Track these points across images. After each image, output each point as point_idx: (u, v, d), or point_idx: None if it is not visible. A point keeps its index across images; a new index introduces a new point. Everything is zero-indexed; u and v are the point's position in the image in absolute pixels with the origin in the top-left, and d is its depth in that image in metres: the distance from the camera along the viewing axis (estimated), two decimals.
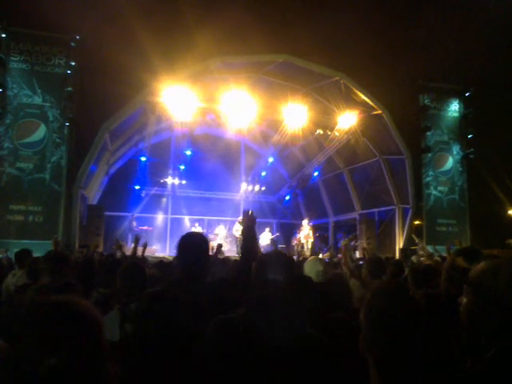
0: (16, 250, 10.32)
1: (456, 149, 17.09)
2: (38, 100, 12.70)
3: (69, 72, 12.91)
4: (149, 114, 14.30)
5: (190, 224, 18.82)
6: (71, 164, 12.86)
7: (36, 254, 6.18)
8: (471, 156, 16.81)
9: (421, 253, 9.56)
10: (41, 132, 12.63)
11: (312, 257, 4.93)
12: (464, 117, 17.21)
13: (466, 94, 17.21)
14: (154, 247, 16.70)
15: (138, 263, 3.27)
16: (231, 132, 16.62)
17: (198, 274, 2.48)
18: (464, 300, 1.92)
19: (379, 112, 15.78)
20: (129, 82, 12.20)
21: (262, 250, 16.61)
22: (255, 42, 12.99)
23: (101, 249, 13.56)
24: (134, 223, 17.15)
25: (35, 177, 12.39)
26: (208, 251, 2.61)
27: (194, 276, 2.45)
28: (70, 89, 12.73)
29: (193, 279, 2.44)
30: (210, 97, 14.33)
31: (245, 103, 14.47)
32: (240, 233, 16.91)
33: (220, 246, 5.86)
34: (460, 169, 17.04)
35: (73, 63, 12.92)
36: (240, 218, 17.57)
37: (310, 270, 3.90)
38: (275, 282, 2.30)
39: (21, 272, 4.54)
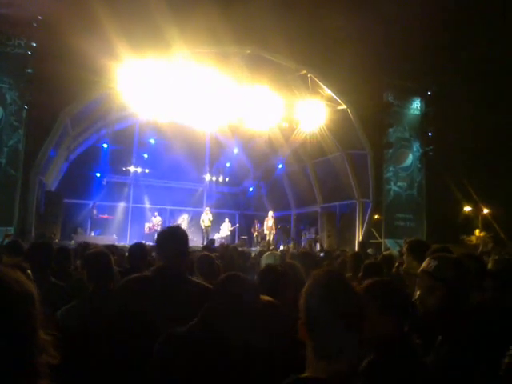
0: None
1: (416, 146, 17.57)
2: None
3: (29, 53, 12.40)
4: (112, 100, 13.98)
5: (151, 214, 18.58)
6: (29, 149, 12.38)
7: None
8: (430, 153, 17.33)
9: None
10: None
11: (269, 252, 5.05)
12: (425, 115, 17.70)
13: (428, 93, 17.71)
14: (114, 236, 16.42)
15: (104, 251, 3.17)
16: (196, 121, 16.48)
17: (176, 266, 2.56)
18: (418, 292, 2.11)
19: (344, 107, 16.04)
20: (92, 68, 11.83)
21: (224, 241, 16.50)
22: (222, 33, 12.87)
23: (58, 237, 13.25)
24: (95, 211, 16.80)
25: None
26: (187, 243, 2.70)
27: (172, 268, 2.54)
28: (29, 71, 12.23)
29: (170, 271, 2.53)
30: (175, 85, 14.12)
31: (211, 93, 14.40)
32: (206, 223, 16.93)
33: None
34: (419, 165, 17.54)
35: (34, 44, 12.40)
36: (207, 209, 17.59)
37: (266, 261, 3.99)
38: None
39: None
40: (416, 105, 17.79)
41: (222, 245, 10.81)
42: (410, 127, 17.57)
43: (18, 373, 1.06)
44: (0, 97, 12.17)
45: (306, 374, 1.36)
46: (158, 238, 2.70)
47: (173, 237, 2.66)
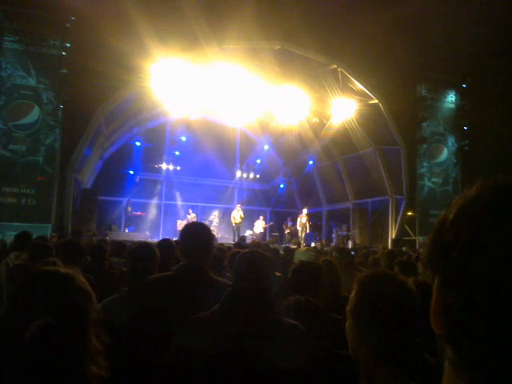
0: (10, 232, 10.38)
1: (451, 140, 17.10)
2: (32, 81, 12.50)
3: (64, 53, 12.71)
4: (144, 98, 14.19)
5: (183, 211, 18.77)
6: (65, 147, 12.72)
7: None
8: (466, 148, 16.82)
9: None
10: (35, 114, 12.47)
11: (303, 247, 5.00)
12: (460, 108, 17.19)
13: (463, 86, 17.19)
14: (148, 233, 16.68)
15: (148, 244, 3.17)
16: (227, 119, 16.55)
17: (198, 263, 2.52)
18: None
19: (375, 101, 15.75)
20: (124, 66, 12.04)
21: (255, 238, 16.49)
22: (252, 29, 12.85)
23: (95, 234, 13.55)
24: (130, 208, 17.11)
25: (28, 159, 12.26)
26: (210, 240, 2.63)
27: (194, 266, 2.50)
28: (64, 71, 12.54)
29: (193, 269, 2.49)
30: (205, 83, 14.21)
31: (241, 90, 14.42)
32: (237, 220, 16.97)
33: None
34: (454, 160, 17.07)
35: (68, 45, 12.70)
36: (239, 206, 17.64)
37: (300, 258, 3.94)
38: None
39: (24, 254, 4.47)
40: (451, 98, 17.29)
41: (253, 242, 10.82)
42: (444, 121, 17.11)
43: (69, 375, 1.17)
44: (37, 97, 12.53)
45: None
46: (180, 235, 2.64)
47: (195, 233, 2.60)
